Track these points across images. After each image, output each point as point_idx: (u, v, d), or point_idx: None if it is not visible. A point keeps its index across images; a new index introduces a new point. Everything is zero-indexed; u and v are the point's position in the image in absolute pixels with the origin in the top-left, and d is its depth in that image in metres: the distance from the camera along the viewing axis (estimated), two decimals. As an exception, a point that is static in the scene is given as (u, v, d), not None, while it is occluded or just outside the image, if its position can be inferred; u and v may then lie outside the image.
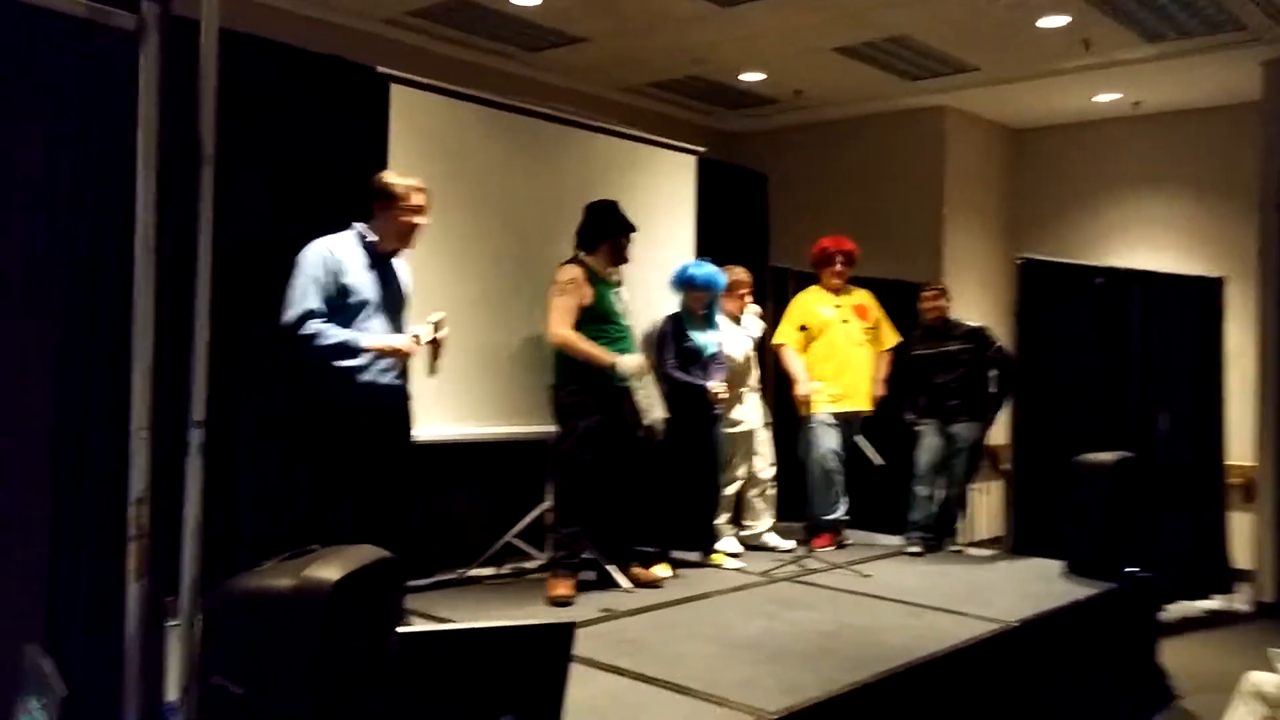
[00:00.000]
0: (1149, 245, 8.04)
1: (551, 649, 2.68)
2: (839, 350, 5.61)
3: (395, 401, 3.68)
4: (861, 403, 5.68)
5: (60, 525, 2.31)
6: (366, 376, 3.55)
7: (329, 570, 2.13)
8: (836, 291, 5.73)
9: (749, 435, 5.38)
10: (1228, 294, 6.76)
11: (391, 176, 3.72)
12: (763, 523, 5.55)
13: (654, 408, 4.62)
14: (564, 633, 2.72)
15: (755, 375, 5.48)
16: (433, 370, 3.69)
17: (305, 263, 3.52)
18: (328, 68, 4.20)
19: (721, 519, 5.30)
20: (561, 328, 4.33)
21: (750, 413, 5.39)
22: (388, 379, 3.61)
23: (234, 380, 3.79)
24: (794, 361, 5.53)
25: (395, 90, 4.39)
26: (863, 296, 5.85)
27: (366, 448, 3.57)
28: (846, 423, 5.67)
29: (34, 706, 1.88)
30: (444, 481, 4.92)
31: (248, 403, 3.89)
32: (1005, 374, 5.72)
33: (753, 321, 5.60)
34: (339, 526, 3.49)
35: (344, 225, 3.81)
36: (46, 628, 2.30)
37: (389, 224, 3.67)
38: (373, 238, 3.66)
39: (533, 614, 4.06)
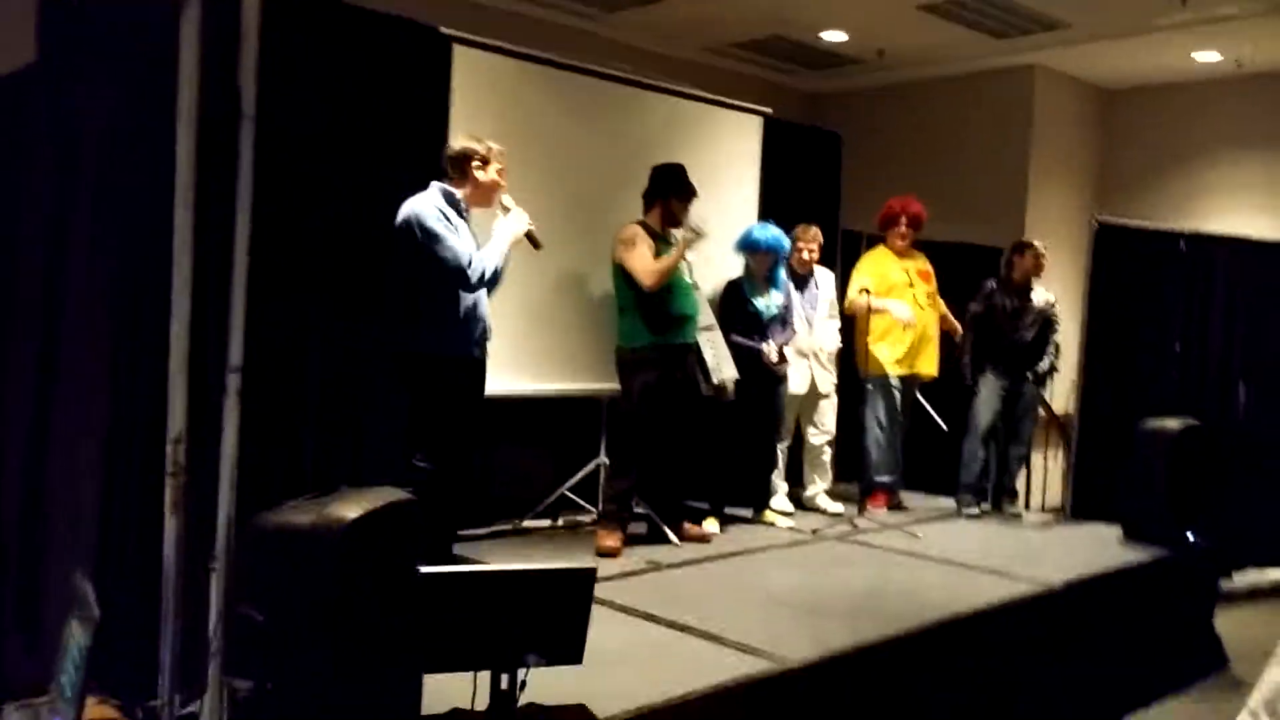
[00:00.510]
0: (1246, 210, 7.68)
1: (573, 592, 2.79)
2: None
3: (482, 356, 3.90)
4: (926, 366, 5.63)
5: (111, 464, 2.49)
6: (476, 331, 3.81)
7: (347, 509, 2.26)
8: (901, 255, 5.67)
9: (795, 399, 5.35)
10: (1322, 261, 6.43)
11: (473, 138, 3.87)
12: (815, 486, 5.56)
13: (723, 366, 4.68)
14: (585, 577, 2.83)
15: (819, 340, 5.42)
16: (538, 244, 3.98)
17: (430, 218, 3.67)
18: (389, 26, 4.30)
19: (775, 476, 5.34)
20: (649, 271, 4.41)
21: (800, 376, 5.34)
22: (479, 332, 3.84)
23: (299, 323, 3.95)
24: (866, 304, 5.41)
25: (458, 51, 4.48)
26: (924, 260, 5.78)
27: (464, 396, 3.80)
28: (909, 386, 5.64)
29: (75, 626, 2.06)
30: (505, 435, 5.06)
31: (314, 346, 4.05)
32: (1055, 348, 5.71)
33: (826, 280, 5.55)
34: (419, 471, 3.69)
35: (413, 183, 3.95)
36: (97, 556, 2.50)
37: (473, 184, 3.83)
38: (459, 195, 3.81)
39: (581, 563, 4.18)
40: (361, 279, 4.10)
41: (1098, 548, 4.87)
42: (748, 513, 5.22)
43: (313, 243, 3.93)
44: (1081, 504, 5.71)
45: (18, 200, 3.02)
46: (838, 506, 5.44)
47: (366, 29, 4.19)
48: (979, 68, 8.05)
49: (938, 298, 5.77)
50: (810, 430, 5.50)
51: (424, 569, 2.49)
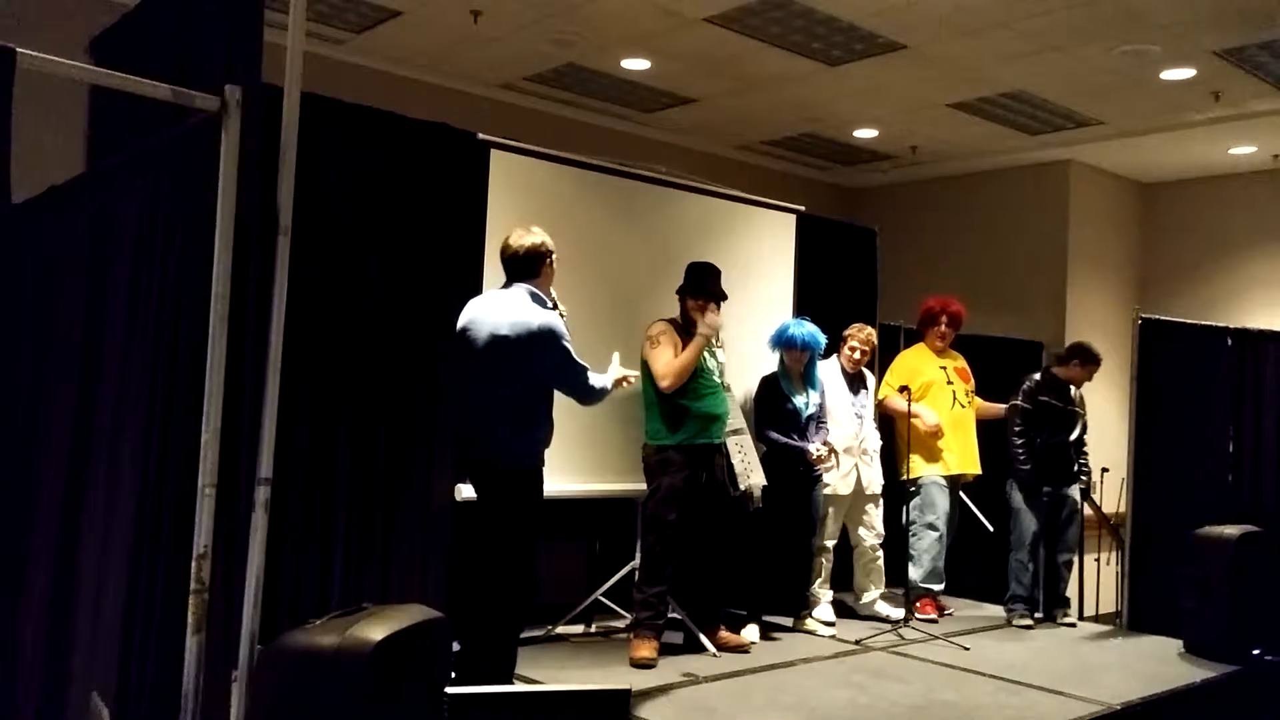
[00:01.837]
0: (1289, 305, 7.56)
1: (607, 714, 2.67)
2: (945, 412, 5.46)
3: None
4: (969, 465, 5.49)
5: (136, 579, 2.43)
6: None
7: (373, 630, 2.19)
8: (940, 353, 5.59)
9: (843, 500, 5.22)
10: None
11: (533, 231, 3.83)
12: (871, 593, 5.38)
13: (752, 472, 4.59)
14: (620, 699, 2.72)
15: (864, 439, 5.28)
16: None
17: (561, 330, 3.65)
18: (427, 132, 4.37)
19: (816, 583, 5.17)
20: (666, 371, 4.37)
21: (847, 477, 5.22)
22: None
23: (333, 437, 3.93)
24: (902, 404, 5.27)
25: (495, 155, 4.54)
26: (962, 359, 5.71)
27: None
28: (954, 486, 5.50)
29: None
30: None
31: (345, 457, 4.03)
32: (1084, 443, 5.61)
33: (870, 380, 5.47)
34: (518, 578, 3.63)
35: (458, 290, 4.01)
36: (119, 676, 2.42)
37: (547, 281, 3.81)
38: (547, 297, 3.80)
39: (614, 675, 4.05)
40: (402, 391, 4.10)
41: (1158, 664, 4.66)
42: (788, 620, 5.05)
43: (349, 353, 3.93)
44: (1138, 613, 5.49)
45: (55, 306, 3.04)
46: (898, 612, 5.21)
47: (405, 135, 4.26)
48: (1014, 162, 8.07)
49: (975, 396, 5.65)
50: (861, 532, 5.33)
51: (452, 690, 2.40)
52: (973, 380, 5.66)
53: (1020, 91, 6.55)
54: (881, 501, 5.37)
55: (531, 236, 3.78)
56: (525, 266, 3.76)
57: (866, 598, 5.35)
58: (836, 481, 5.15)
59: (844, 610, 5.33)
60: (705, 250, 4.94)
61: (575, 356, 3.68)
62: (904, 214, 8.67)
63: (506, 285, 3.81)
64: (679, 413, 4.41)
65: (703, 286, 4.53)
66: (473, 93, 6.82)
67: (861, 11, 5.43)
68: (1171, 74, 6.04)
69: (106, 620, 2.48)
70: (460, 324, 3.77)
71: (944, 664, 4.50)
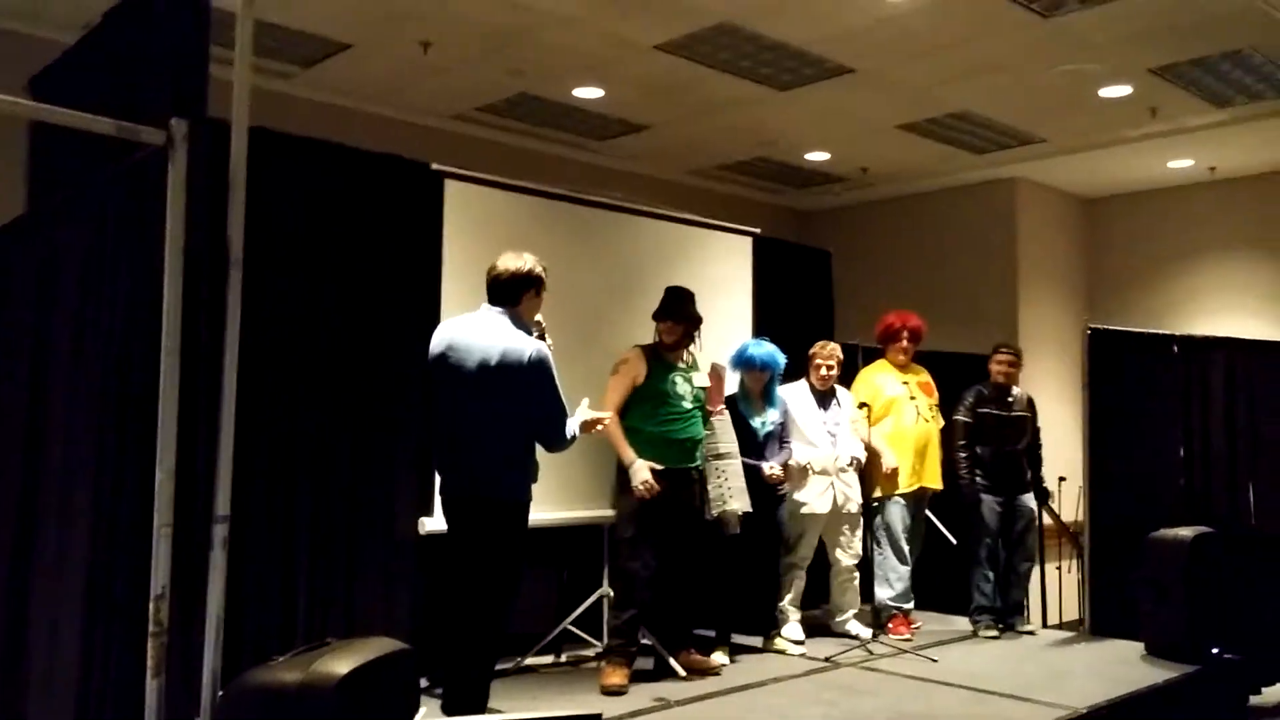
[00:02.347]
0: (1229, 312, 7.77)
1: (577, 742, 2.66)
2: (907, 427, 5.48)
3: None
4: (931, 480, 5.53)
5: (92, 621, 2.39)
6: None
7: (338, 664, 2.16)
8: (902, 368, 5.62)
9: (820, 519, 5.19)
10: (1317, 359, 6.44)
11: (525, 257, 3.72)
12: (843, 615, 5.35)
13: (731, 498, 4.57)
14: (590, 725, 2.70)
15: (839, 457, 5.22)
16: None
17: (552, 366, 3.57)
18: (382, 165, 4.37)
19: (785, 601, 5.18)
20: (605, 409, 4.31)
21: (823, 496, 5.20)
22: None
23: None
24: (864, 429, 5.36)
25: (449, 185, 4.54)
26: (925, 374, 5.73)
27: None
28: (916, 501, 5.53)
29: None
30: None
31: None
32: (1039, 448, 5.65)
33: (846, 398, 5.43)
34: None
35: (416, 322, 4.00)
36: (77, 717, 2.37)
37: (531, 310, 3.71)
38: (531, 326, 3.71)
39: (585, 704, 4.01)
40: (362, 422, 4.07)
41: (1121, 666, 4.71)
42: (758, 640, 5.05)
43: (307, 387, 3.90)
44: (1100, 618, 5.55)
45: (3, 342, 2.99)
46: (867, 632, 5.18)
47: (357, 167, 4.25)
48: (962, 181, 8.23)
49: (938, 410, 5.70)
50: (838, 553, 5.30)
51: (420, 722, 2.37)
52: (936, 394, 5.67)
53: (966, 112, 6.69)
54: (861, 521, 5.33)
55: (519, 262, 3.65)
56: (506, 292, 3.63)
57: (840, 617, 5.35)
58: (813, 500, 5.15)
59: (820, 629, 5.32)
60: (663, 275, 4.96)
61: (562, 398, 3.59)
62: (857, 234, 8.80)
63: (485, 308, 3.68)
64: (641, 438, 4.40)
65: (667, 309, 4.54)
66: (425, 124, 6.83)
67: (809, 37, 5.53)
68: (1110, 91, 6.20)
69: (63, 663, 2.43)
70: (438, 348, 3.64)
71: (913, 677, 4.52)
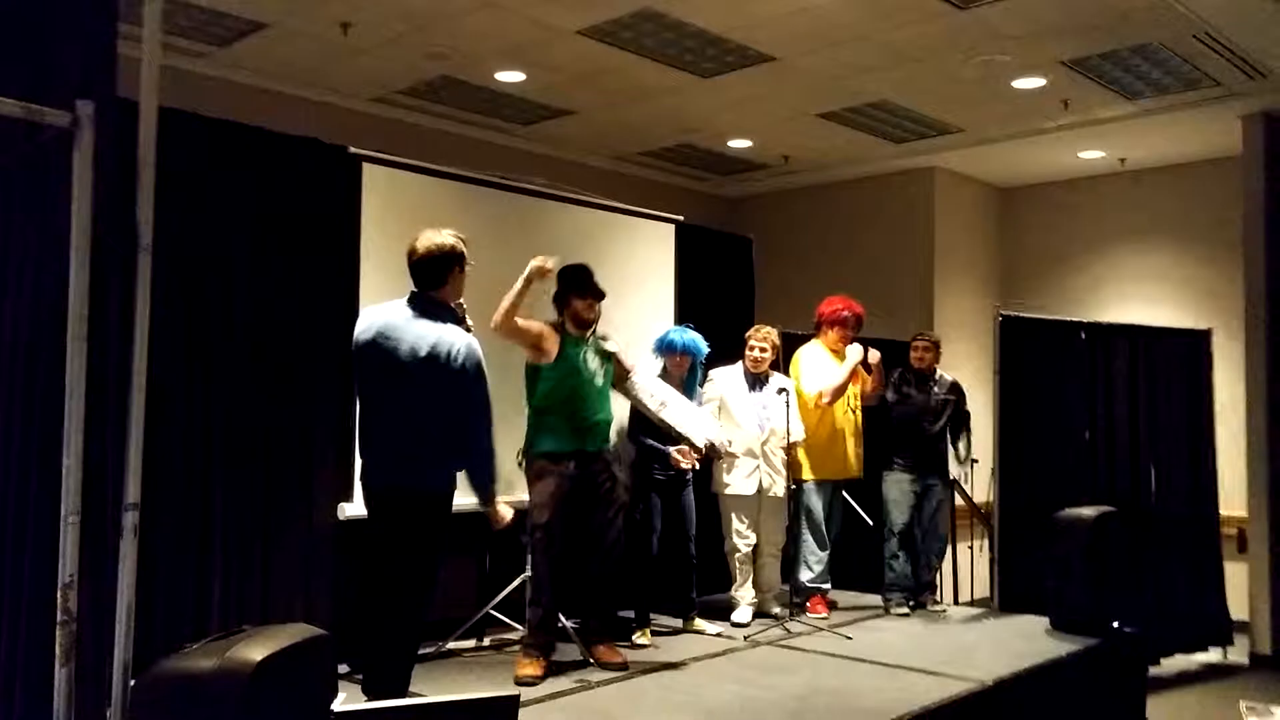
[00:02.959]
0: (1139, 299, 8.06)
1: (496, 723, 2.68)
2: (833, 414, 5.50)
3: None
4: (850, 470, 5.58)
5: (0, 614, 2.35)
6: None
7: (253, 650, 2.15)
8: (835, 354, 5.61)
9: (746, 500, 5.26)
10: (1215, 346, 6.74)
11: (444, 232, 3.58)
12: (765, 593, 5.41)
13: (698, 428, 4.51)
14: (508, 705, 2.73)
15: (768, 441, 5.27)
16: None
17: (483, 364, 3.53)
18: (298, 148, 4.31)
19: (733, 587, 5.32)
20: (499, 311, 4.06)
21: (749, 478, 5.26)
22: None
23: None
24: (831, 380, 5.39)
25: (368, 169, 4.50)
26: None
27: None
28: (834, 487, 5.62)
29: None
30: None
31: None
32: (968, 430, 5.79)
33: (784, 382, 5.43)
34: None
35: (334, 307, 3.94)
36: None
37: (455, 290, 3.61)
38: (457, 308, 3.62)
39: (507, 689, 4.03)
40: (277, 409, 4.03)
41: (1026, 640, 4.89)
42: (677, 622, 5.12)
43: (221, 373, 3.85)
44: (1009, 596, 5.75)
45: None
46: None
47: (272, 150, 4.20)
48: (882, 170, 8.38)
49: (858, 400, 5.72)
50: (761, 535, 5.35)
51: (338, 708, 2.38)
52: (861, 381, 5.67)
53: (884, 101, 6.82)
54: (785, 506, 5.35)
55: (439, 238, 3.54)
56: (430, 272, 3.52)
57: (759, 596, 5.42)
58: (738, 482, 5.23)
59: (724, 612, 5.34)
60: (587, 262, 4.96)
61: (489, 399, 3.52)
62: (779, 221, 8.92)
63: (412, 295, 3.58)
64: (546, 423, 4.34)
65: (584, 283, 4.44)
66: (346, 106, 6.74)
67: (730, 25, 5.58)
68: (1023, 83, 6.38)
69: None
70: (364, 335, 3.53)
71: (828, 654, 4.63)
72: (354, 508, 4.24)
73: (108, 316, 2.46)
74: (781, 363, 5.69)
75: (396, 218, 4.56)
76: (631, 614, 4.91)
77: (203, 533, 3.75)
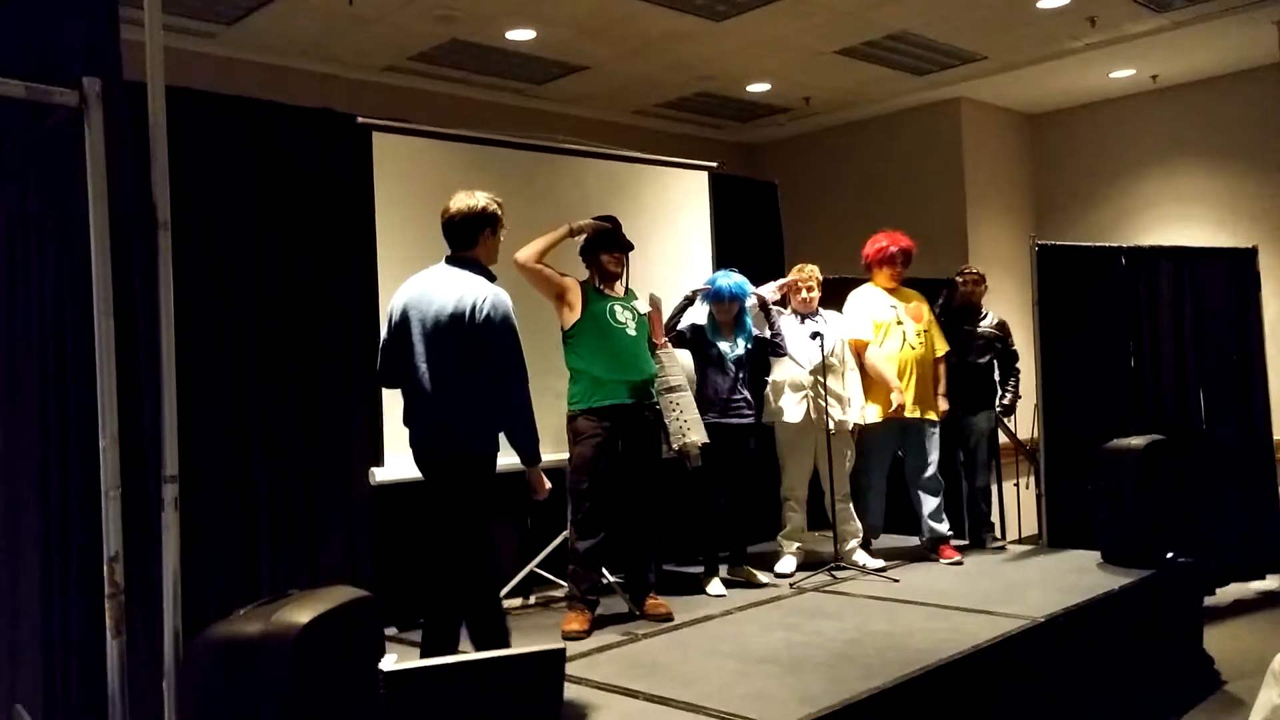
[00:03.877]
0: (1180, 221, 7.87)
1: (544, 676, 2.70)
2: (892, 353, 5.34)
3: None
4: (924, 408, 5.35)
5: (49, 590, 2.38)
6: None
7: (299, 613, 2.17)
8: (893, 292, 5.48)
9: (797, 430, 5.17)
10: (1262, 264, 6.57)
11: (483, 195, 3.57)
12: (847, 543, 5.23)
13: (689, 430, 4.55)
14: (554, 659, 2.75)
15: (816, 371, 5.12)
16: None
17: (513, 317, 3.48)
18: (306, 119, 4.30)
19: (780, 535, 5.32)
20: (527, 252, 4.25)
21: (796, 405, 5.16)
22: None
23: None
24: (880, 364, 5.30)
25: (379, 138, 4.46)
26: (917, 298, 5.56)
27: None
28: (904, 428, 5.39)
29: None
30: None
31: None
32: (1016, 374, 5.70)
33: (836, 322, 5.35)
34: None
35: (355, 275, 3.93)
36: (44, 687, 2.37)
37: (488, 252, 3.60)
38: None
39: (553, 643, 4.06)
40: (310, 379, 4.04)
41: (1077, 575, 4.82)
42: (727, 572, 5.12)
43: (253, 344, 3.88)
44: (1058, 531, 5.68)
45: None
46: (875, 563, 5.15)
47: (281, 123, 4.19)
48: (905, 105, 8.22)
49: (936, 336, 5.50)
50: (827, 480, 5.17)
51: (386, 667, 2.40)
52: (926, 318, 5.49)
53: (903, 32, 6.66)
54: (852, 445, 5.28)
55: (470, 200, 3.52)
56: (461, 233, 3.50)
57: (846, 547, 5.23)
58: (788, 408, 5.16)
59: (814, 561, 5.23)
60: (616, 213, 4.91)
61: (521, 350, 3.46)
62: (803, 165, 8.80)
63: (446, 258, 3.58)
64: (586, 378, 4.33)
65: (610, 237, 4.44)
66: (357, 78, 6.71)
67: (741, -38, 5.47)
68: (1046, 2, 6.19)
69: (25, 635, 2.43)
70: (399, 303, 3.51)
71: (876, 597, 4.61)
72: (385, 472, 4.26)
73: (132, 295, 2.47)
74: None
75: (410, 185, 4.53)
76: (699, 569, 4.94)
77: (245, 503, 3.79)
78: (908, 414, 5.28)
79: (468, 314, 3.36)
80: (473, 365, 3.40)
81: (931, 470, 5.35)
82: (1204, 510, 5.83)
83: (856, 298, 5.55)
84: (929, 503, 5.36)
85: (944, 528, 5.35)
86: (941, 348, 5.52)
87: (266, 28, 5.90)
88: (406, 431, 3.54)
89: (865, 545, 5.37)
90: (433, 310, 3.43)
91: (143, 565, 2.38)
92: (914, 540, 5.68)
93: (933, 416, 5.39)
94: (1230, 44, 7.01)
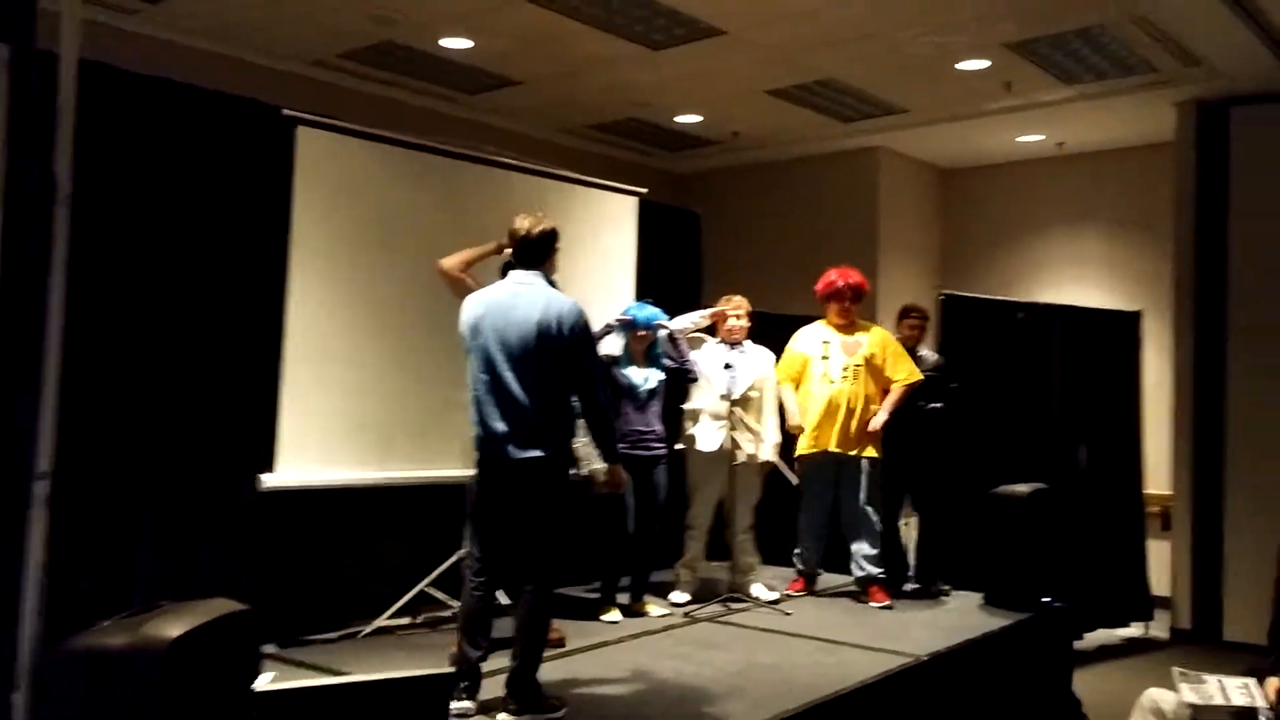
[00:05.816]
0: (1073, 281, 8.20)
1: (428, 701, 2.63)
2: (812, 390, 5.31)
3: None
4: (849, 448, 5.24)
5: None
6: None
7: (169, 627, 2.07)
8: (842, 328, 5.39)
9: (708, 460, 5.16)
10: (1145, 327, 6.89)
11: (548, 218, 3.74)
12: (744, 575, 5.24)
13: (595, 459, 4.47)
14: (442, 684, 2.68)
15: (731, 400, 5.07)
16: None
17: (590, 326, 3.65)
18: (229, 107, 4.17)
19: (678, 563, 5.29)
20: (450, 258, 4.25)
21: (709, 438, 5.16)
22: None
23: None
24: (786, 397, 5.35)
25: (302, 132, 4.35)
26: (865, 330, 5.44)
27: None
28: (831, 463, 5.28)
29: None
30: (356, 528, 4.84)
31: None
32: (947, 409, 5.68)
33: (764, 358, 5.34)
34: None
35: (263, 271, 3.83)
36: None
37: (553, 270, 3.75)
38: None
39: (441, 665, 3.97)
40: (207, 379, 3.90)
41: (960, 616, 4.96)
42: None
43: (146, 339, 3.72)
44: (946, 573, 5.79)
45: None
46: (770, 595, 5.16)
47: (201, 108, 4.05)
48: (829, 149, 8.39)
49: (891, 365, 5.35)
50: (734, 513, 5.19)
51: (259, 687, 2.30)
52: (867, 352, 5.32)
53: (832, 79, 6.80)
54: (760, 479, 5.26)
55: (540, 221, 3.71)
56: (535, 251, 3.66)
57: (741, 579, 5.23)
58: (702, 437, 5.16)
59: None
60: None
61: (599, 361, 3.69)
62: (727, 198, 8.90)
63: (516, 273, 3.65)
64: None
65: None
66: (283, 69, 6.55)
67: (680, -5, 5.51)
68: (967, 65, 6.40)
69: None
70: (472, 317, 3.57)
71: (767, 630, 4.64)
72: (274, 478, 4.13)
73: (23, 273, 2.34)
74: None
75: (332, 184, 4.43)
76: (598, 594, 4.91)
77: (127, 507, 3.62)
78: (834, 449, 5.24)
79: (554, 325, 3.49)
80: (555, 372, 3.54)
81: (860, 509, 5.24)
82: (1078, 558, 6.06)
83: (799, 332, 5.55)
84: (856, 544, 5.27)
85: (874, 569, 5.22)
86: (897, 374, 5.34)
87: (193, 9, 5.71)
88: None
89: (809, 586, 5.44)
90: (515, 322, 3.51)
91: (4, 566, 2.25)
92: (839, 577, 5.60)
93: (871, 454, 5.27)
94: (1132, 119, 7.35)
